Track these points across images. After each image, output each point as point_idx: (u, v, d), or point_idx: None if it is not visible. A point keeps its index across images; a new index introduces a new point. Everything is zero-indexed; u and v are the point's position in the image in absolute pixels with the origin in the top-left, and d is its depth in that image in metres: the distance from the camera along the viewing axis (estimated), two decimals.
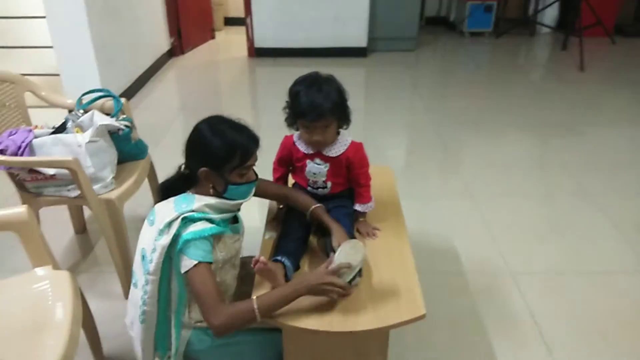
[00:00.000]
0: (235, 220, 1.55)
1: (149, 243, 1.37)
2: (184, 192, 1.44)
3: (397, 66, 5.18)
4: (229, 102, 4.34)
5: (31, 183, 1.95)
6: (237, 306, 1.34)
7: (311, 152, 1.62)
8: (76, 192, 1.92)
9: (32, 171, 1.90)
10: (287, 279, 1.45)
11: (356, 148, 1.64)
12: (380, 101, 4.34)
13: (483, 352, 1.86)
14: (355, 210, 1.69)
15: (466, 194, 2.88)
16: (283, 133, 1.69)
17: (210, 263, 1.36)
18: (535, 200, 2.83)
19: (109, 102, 2.24)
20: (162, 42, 5.09)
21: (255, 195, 1.59)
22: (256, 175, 1.48)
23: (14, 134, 1.87)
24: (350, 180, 1.69)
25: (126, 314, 1.54)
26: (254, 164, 1.43)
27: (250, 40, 5.26)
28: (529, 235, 2.52)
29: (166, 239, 1.34)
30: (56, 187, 1.96)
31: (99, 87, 3.61)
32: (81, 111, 2.07)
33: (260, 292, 1.43)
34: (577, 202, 2.79)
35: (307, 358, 1.53)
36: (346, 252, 1.37)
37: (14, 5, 4.12)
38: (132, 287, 1.49)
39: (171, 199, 1.41)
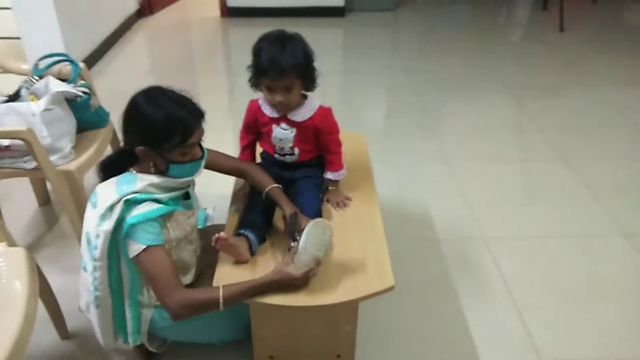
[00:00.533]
0: (187, 195, 1.47)
1: (93, 227, 1.29)
2: (126, 170, 1.35)
3: (375, 26, 5.04)
4: (200, 65, 4.18)
5: None
6: (201, 293, 1.31)
7: (277, 116, 1.55)
8: (33, 164, 1.83)
9: None
10: (252, 252, 1.41)
11: (324, 113, 1.57)
12: (358, 62, 4.23)
13: (455, 316, 1.86)
14: (327, 179, 1.64)
15: (443, 158, 2.84)
16: (253, 96, 1.60)
17: (162, 245, 1.29)
18: (512, 165, 2.81)
19: (67, 67, 2.12)
20: (130, 1, 4.86)
21: (208, 169, 1.52)
22: (202, 150, 1.38)
23: None
24: (320, 147, 1.63)
25: (80, 297, 1.49)
26: (198, 141, 1.32)
27: None
28: (505, 201, 2.51)
29: (109, 224, 1.26)
30: (12, 159, 1.86)
31: (62, 51, 3.45)
32: (36, 77, 1.95)
33: (225, 267, 1.39)
34: (553, 167, 2.77)
35: (275, 331, 1.51)
36: (313, 236, 1.29)
37: None
38: (81, 270, 1.42)
39: (112, 180, 1.32)
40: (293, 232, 1.36)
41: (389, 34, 4.91)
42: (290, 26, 1.53)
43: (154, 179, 1.31)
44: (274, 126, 1.56)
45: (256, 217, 1.49)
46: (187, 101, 1.30)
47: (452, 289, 1.98)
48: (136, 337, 1.48)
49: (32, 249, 2.15)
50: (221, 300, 1.25)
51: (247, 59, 1.51)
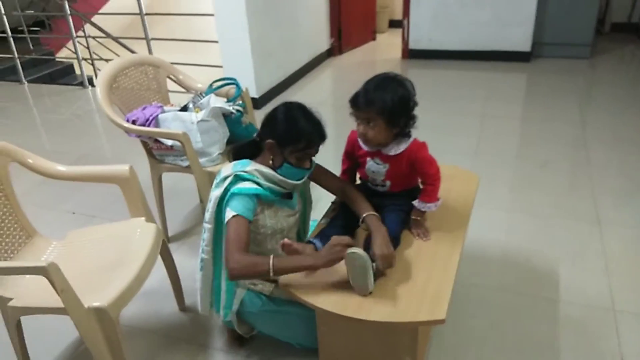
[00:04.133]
0: (290, 197, 1.68)
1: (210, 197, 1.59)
2: (249, 157, 1.62)
3: (564, 74, 4.71)
4: None
5: (157, 151, 2.32)
6: (256, 258, 1.47)
7: (371, 150, 1.64)
8: (187, 163, 2.23)
9: (156, 141, 2.26)
10: None
11: (417, 147, 1.61)
12: (531, 110, 4.03)
13: None
14: (414, 206, 1.65)
15: (594, 218, 2.54)
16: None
17: (249, 220, 1.50)
18: None
19: (233, 90, 2.53)
20: (322, 42, 5.42)
21: (315, 182, 1.74)
22: (312, 166, 1.62)
23: (146, 108, 2.25)
24: (413, 181, 1.67)
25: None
26: (313, 155, 1.58)
27: (405, 41, 5.29)
28: None
29: (219, 191, 1.55)
30: (174, 157, 2.30)
31: (252, 79, 4.06)
32: (203, 94, 2.38)
33: None
34: None
35: (338, 343, 1.58)
36: (352, 270, 1.39)
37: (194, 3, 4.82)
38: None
39: (233, 162, 1.62)
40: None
41: (578, 83, 4.54)
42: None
43: (263, 167, 1.57)
44: (368, 159, 1.66)
45: (332, 230, 1.60)
46: (319, 122, 1.58)
47: (555, 355, 1.78)
48: (227, 312, 1.69)
49: (183, 233, 2.59)
50: (271, 268, 1.40)
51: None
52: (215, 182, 1.60)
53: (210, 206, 1.58)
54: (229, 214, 1.50)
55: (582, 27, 4.85)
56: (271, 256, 1.42)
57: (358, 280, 1.38)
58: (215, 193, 1.56)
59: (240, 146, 1.69)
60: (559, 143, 3.40)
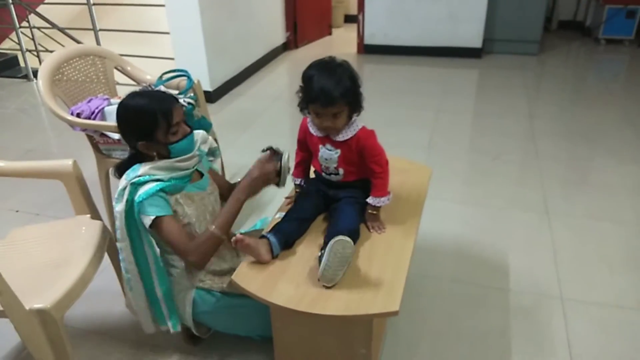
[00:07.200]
0: (200, 176, 1.66)
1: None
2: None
3: (513, 70, 4.85)
4: None
5: (103, 145, 2.23)
6: (201, 237, 1.50)
7: (321, 135, 1.62)
8: None
9: (102, 135, 2.17)
10: (273, 255, 1.49)
11: (366, 135, 1.59)
12: (482, 104, 4.13)
13: None
14: (368, 203, 1.65)
15: (543, 208, 2.63)
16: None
17: (170, 215, 1.48)
18: (626, 229, 2.48)
19: (184, 82, 2.46)
20: (278, 36, 5.37)
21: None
22: (190, 127, 1.58)
23: (92, 101, 2.15)
24: (366, 170, 1.66)
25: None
26: (180, 120, 1.52)
27: (360, 36, 5.31)
28: (602, 264, 2.22)
29: (121, 205, 1.47)
30: (122, 151, 2.21)
31: (206, 72, 3.97)
32: (152, 86, 2.30)
33: (247, 265, 1.48)
34: None
35: (292, 338, 1.56)
36: (335, 253, 1.36)
37: None
38: None
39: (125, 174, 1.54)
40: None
41: (527, 78, 4.68)
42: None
43: (155, 162, 1.52)
44: (320, 146, 1.63)
45: (287, 224, 1.57)
46: (156, 93, 1.54)
47: (506, 343, 1.83)
48: (175, 322, 1.64)
49: None
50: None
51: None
52: (114, 198, 1.52)
53: (118, 223, 1.50)
54: (147, 220, 1.45)
55: (531, 25, 5.01)
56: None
57: (333, 267, 1.35)
58: (118, 208, 1.48)
59: (122, 163, 1.61)
60: (509, 136, 3.49)
